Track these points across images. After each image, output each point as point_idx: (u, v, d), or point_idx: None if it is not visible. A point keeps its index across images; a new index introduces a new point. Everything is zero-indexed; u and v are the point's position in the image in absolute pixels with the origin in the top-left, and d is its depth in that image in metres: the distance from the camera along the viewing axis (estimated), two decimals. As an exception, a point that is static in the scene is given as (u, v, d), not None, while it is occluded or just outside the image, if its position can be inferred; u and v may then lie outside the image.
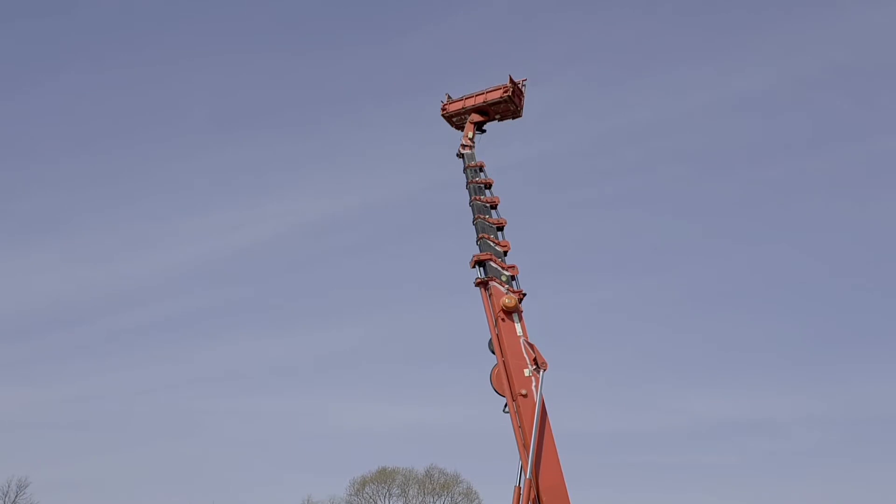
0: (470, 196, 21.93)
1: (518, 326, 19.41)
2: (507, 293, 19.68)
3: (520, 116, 24.19)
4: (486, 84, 24.00)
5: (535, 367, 18.75)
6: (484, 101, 23.78)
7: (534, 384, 18.62)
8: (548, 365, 18.75)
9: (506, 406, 18.76)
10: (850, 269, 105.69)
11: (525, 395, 18.48)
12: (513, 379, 18.72)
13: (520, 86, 23.90)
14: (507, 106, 23.77)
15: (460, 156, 23.02)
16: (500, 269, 20.27)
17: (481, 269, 20.45)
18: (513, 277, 20.20)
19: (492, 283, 19.92)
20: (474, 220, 21.37)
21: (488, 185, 22.12)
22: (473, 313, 20.37)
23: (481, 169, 22.47)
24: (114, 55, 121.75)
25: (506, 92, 23.55)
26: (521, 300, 19.68)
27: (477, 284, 20.27)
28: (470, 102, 24.02)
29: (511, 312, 19.46)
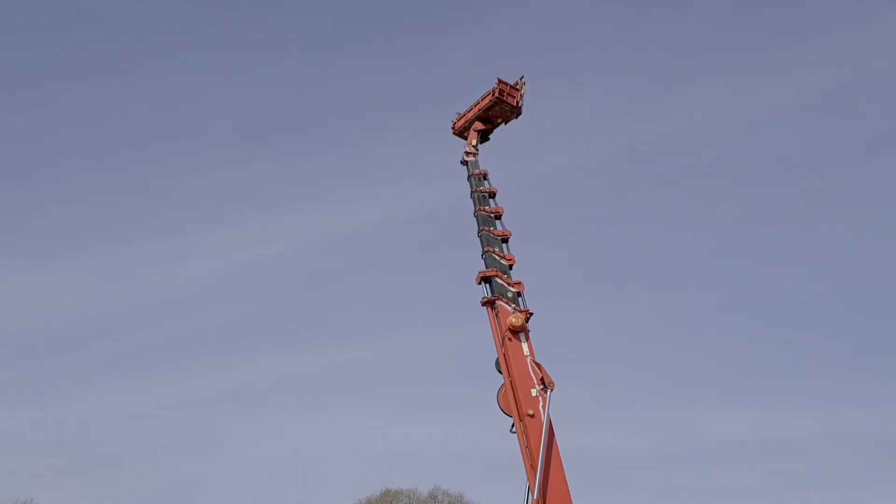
0: (474, 206, 21.87)
1: (525, 346, 19.29)
2: (513, 312, 19.57)
3: (520, 114, 24.40)
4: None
5: (542, 386, 18.62)
6: (479, 109, 24.20)
7: (541, 404, 18.48)
8: (555, 385, 18.63)
9: (513, 426, 18.61)
10: (869, 287, 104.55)
11: (532, 416, 18.31)
12: (520, 399, 18.58)
13: (516, 85, 24.19)
14: (503, 107, 24.10)
15: (464, 163, 23.28)
16: (505, 285, 20.17)
17: (487, 285, 20.37)
18: (519, 294, 20.11)
19: (498, 303, 19.80)
20: (479, 231, 21.28)
21: (492, 194, 22.16)
22: (482, 331, 20.27)
23: (485, 177, 22.62)
24: (137, 69, 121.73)
25: (494, 95, 23.90)
26: (527, 319, 19.57)
27: (484, 304, 20.18)
28: (471, 114, 24.51)
29: (518, 332, 19.35)
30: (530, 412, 18.34)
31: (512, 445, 18.49)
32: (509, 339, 19.28)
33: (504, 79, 24.18)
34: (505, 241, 21.16)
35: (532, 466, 17.88)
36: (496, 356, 19.47)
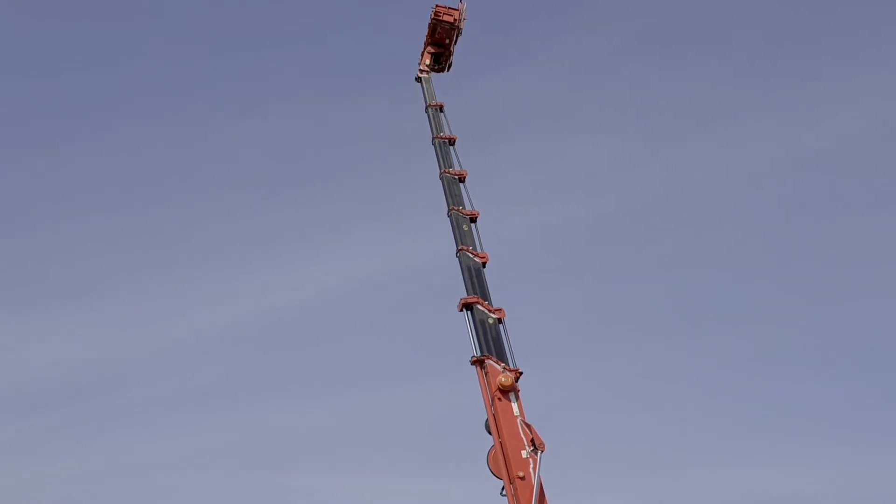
0: (438, 161, 20.94)
1: (514, 406, 18.88)
2: (503, 371, 19.20)
3: (460, 32, 25.13)
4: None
5: (532, 448, 18.19)
6: (427, 37, 25.03)
7: (531, 466, 18.04)
8: (545, 446, 18.16)
9: (503, 489, 18.18)
10: (876, 341, 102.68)
11: (523, 478, 17.85)
12: (510, 461, 18.19)
13: (457, 9, 25.26)
14: (443, 27, 24.90)
15: (418, 80, 23.36)
16: (486, 312, 19.60)
17: (468, 312, 19.66)
18: (500, 321, 19.60)
19: (488, 362, 19.40)
20: (448, 210, 20.30)
21: (452, 141, 21.40)
22: (473, 389, 19.83)
23: (441, 109, 22.31)
24: (149, 112, 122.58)
25: (432, 18, 24.95)
26: (517, 379, 19.18)
27: (473, 363, 19.69)
28: (423, 47, 25.40)
29: (507, 392, 18.98)
30: (521, 474, 17.86)
31: (502, 508, 18.05)
32: (499, 398, 18.87)
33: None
34: (473, 220, 20.23)
35: (523, 530, 17.47)
36: (486, 417, 19.15)
